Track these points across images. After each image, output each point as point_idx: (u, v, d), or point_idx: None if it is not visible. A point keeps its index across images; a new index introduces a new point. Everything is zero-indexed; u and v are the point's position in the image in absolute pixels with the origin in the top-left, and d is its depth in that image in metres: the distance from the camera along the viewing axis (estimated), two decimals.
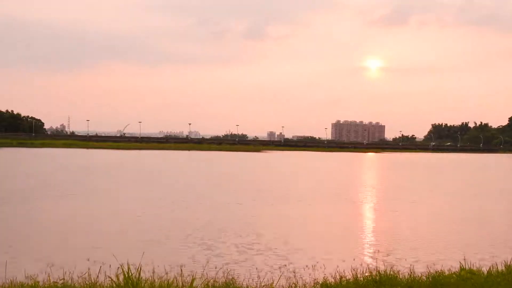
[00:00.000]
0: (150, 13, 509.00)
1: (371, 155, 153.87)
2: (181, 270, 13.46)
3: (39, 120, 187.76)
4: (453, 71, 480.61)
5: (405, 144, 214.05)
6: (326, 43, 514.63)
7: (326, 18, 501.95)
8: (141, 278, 12.08)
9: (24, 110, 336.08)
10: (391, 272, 13.57)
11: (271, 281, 13.58)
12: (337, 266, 15.51)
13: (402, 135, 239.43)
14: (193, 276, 13.09)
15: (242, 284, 13.21)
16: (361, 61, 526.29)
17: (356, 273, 13.61)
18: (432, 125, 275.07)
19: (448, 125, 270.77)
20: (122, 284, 11.91)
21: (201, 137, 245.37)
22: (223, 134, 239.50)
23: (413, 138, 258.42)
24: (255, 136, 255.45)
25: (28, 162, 78.20)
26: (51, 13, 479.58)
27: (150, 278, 12.36)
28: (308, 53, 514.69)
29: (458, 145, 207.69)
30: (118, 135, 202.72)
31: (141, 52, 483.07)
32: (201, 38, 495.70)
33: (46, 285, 12.66)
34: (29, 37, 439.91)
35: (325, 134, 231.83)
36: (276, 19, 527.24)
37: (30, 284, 12.71)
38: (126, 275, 12.03)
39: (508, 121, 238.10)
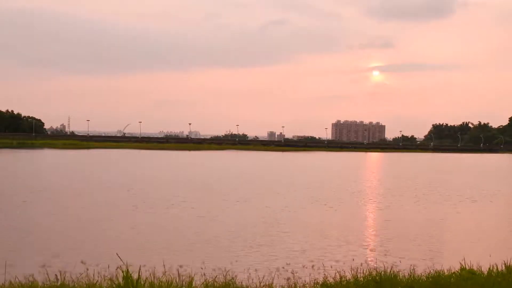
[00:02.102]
0: (147, 14, 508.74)
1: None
2: (178, 270, 13.41)
3: (39, 120, 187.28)
4: (454, 71, 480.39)
5: (405, 144, 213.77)
6: (327, 41, 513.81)
7: (326, 15, 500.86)
8: (140, 278, 12.04)
9: (24, 110, 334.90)
10: (391, 272, 13.52)
11: (271, 281, 13.54)
12: (337, 266, 15.48)
13: (402, 135, 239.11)
14: (192, 276, 13.06)
15: (242, 284, 13.17)
16: (362, 61, 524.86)
17: (356, 273, 13.57)
18: (433, 125, 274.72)
19: (449, 125, 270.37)
20: (121, 284, 11.86)
21: (201, 137, 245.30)
22: (223, 134, 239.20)
23: (413, 138, 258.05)
24: (255, 136, 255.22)
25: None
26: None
27: (149, 278, 12.33)
28: (309, 51, 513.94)
29: (459, 145, 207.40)
30: (119, 135, 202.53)
31: (141, 52, 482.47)
32: (202, 37, 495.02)
33: (45, 285, 12.62)
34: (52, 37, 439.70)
35: (325, 134, 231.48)
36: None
37: (29, 284, 12.67)
38: (125, 275, 11.98)
39: (509, 121, 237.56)
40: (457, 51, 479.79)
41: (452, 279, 13.37)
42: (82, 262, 14.65)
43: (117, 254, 13.93)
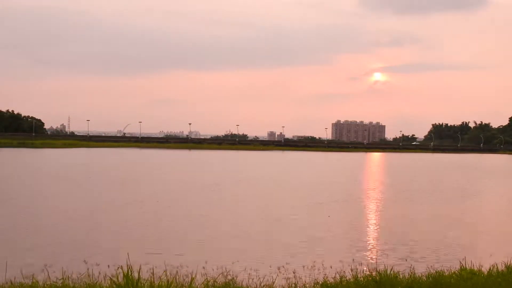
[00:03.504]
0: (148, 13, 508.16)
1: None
2: (178, 270, 13.43)
3: (39, 120, 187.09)
4: (455, 71, 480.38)
5: (405, 144, 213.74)
6: (327, 41, 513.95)
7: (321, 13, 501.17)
8: (140, 278, 12.06)
9: (24, 110, 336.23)
10: (391, 272, 13.54)
11: (271, 281, 13.55)
12: (337, 266, 15.49)
13: (403, 134, 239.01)
14: (192, 276, 13.07)
15: (242, 284, 13.18)
16: (363, 61, 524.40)
17: (356, 273, 13.59)
18: (433, 125, 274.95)
19: (449, 125, 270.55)
20: (122, 284, 11.88)
21: (201, 137, 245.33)
22: (223, 134, 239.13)
23: (413, 138, 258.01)
24: (255, 136, 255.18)
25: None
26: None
27: (150, 278, 12.34)
28: (309, 51, 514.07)
29: (459, 145, 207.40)
30: (119, 135, 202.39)
31: (141, 52, 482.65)
32: (203, 36, 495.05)
33: (45, 285, 12.63)
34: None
35: (325, 134, 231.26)
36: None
37: (29, 284, 12.68)
38: (126, 275, 12.00)
39: (509, 121, 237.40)
40: (459, 52, 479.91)
41: (452, 279, 13.39)
42: (84, 261, 14.65)
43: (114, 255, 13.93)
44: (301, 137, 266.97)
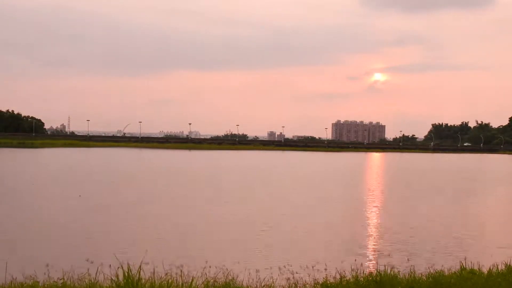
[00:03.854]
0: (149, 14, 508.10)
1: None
2: (179, 270, 13.42)
3: (39, 120, 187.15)
4: (455, 71, 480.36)
5: (405, 144, 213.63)
6: (328, 40, 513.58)
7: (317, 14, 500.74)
8: (141, 278, 12.06)
9: (24, 110, 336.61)
10: (392, 272, 13.53)
11: (271, 281, 13.54)
12: (338, 266, 15.47)
13: (403, 134, 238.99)
14: (193, 276, 13.07)
15: (242, 284, 13.18)
16: (363, 61, 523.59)
17: (357, 273, 13.58)
18: (433, 125, 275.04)
19: (449, 125, 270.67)
20: (122, 284, 11.88)
21: (201, 137, 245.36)
22: (223, 134, 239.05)
23: (413, 138, 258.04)
24: (255, 136, 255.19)
25: None
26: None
27: (150, 278, 12.34)
28: (309, 49, 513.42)
29: (459, 145, 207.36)
30: (119, 135, 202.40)
31: (141, 52, 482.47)
32: (203, 36, 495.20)
33: (46, 285, 12.63)
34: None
35: (326, 134, 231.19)
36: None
37: (30, 284, 12.68)
38: (126, 275, 12.00)
39: (509, 121, 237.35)
40: (461, 52, 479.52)
41: (452, 279, 13.39)
42: (87, 260, 14.62)
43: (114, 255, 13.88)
44: (301, 137, 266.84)
